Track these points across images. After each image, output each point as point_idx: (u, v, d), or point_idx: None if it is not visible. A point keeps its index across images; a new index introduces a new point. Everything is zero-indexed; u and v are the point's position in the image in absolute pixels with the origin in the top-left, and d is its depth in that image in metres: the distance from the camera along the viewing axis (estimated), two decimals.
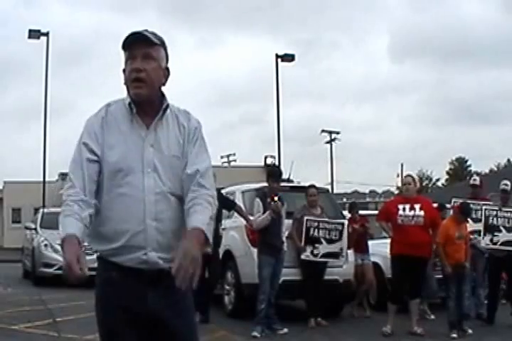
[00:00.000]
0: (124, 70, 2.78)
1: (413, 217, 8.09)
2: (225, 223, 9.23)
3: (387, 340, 7.99)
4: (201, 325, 7.42)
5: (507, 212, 8.93)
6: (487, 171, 53.34)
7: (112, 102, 2.80)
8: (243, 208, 9.07)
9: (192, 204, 2.63)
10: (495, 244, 8.86)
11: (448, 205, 10.06)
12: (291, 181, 10.72)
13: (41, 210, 17.10)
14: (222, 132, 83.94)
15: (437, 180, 64.64)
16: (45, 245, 13.76)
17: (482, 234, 8.88)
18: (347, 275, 9.32)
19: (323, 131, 41.25)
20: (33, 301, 10.69)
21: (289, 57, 24.96)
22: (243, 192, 9.84)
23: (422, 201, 8.38)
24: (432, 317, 9.35)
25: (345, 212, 10.58)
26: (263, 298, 8.13)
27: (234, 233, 9.42)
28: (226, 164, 38.04)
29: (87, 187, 2.65)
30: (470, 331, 8.07)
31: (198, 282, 2.48)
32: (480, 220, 8.94)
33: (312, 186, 9.34)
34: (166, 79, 2.80)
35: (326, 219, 9.05)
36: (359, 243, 9.77)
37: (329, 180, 39.53)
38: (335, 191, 39.10)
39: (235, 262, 9.23)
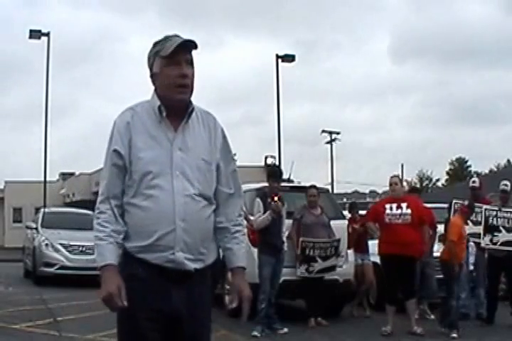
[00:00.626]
0: (152, 75, 2.80)
1: (400, 215, 8.11)
2: None
3: (387, 340, 8.02)
4: None
5: (507, 212, 8.95)
6: (487, 171, 53.34)
7: (134, 106, 2.83)
8: (243, 208, 9.07)
9: (236, 236, 2.89)
10: (495, 244, 8.88)
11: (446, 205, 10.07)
12: (292, 181, 10.74)
13: (42, 210, 17.13)
14: None
15: (437, 180, 64.62)
16: (46, 244, 13.78)
17: (482, 234, 8.90)
18: (347, 275, 9.34)
19: (323, 131, 41.29)
20: (33, 300, 10.71)
21: (289, 58, 24.94)
22: (243, 192, 9.83)
23: (409, 200, 8.40)
24: (432, 317, 9.36)
25: (346, 212, 10.60)
26: (263, 298, 8.14)
27: None
28: None
29: (115, 192, 2.74)
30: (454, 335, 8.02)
31: None
32: (480, 223, 8.95)
33: (313, 186, 9.34)
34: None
35: (322, 240, 8.92)
36: (359, 243, 9.78)
37: (329, 180, 39.60)
38: (335, 191, 39.11)
39: None
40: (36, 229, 14.89)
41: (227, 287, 9.41)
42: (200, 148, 2.80)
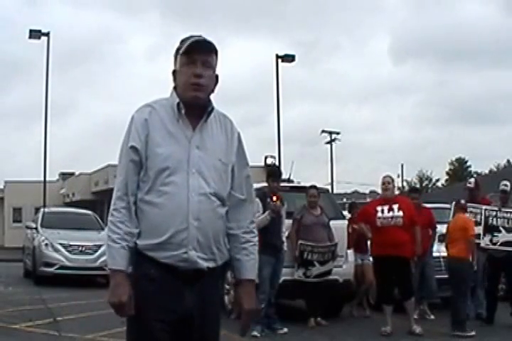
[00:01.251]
0: (174, 71, 2.83)
1: (392, 218, 8.12)
2: None
3: (387, 340, 8.02)
4: None
5: (506, 212, 8.96)
6: (487, 172, 53.40)
7: (153, 103, 2.83)
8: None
9: (246, 247, 2.88)
10: (494, 244, 8.88)
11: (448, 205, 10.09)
12: (292, 181, 10.72)
13: (42, 210, 17.14)
14: None
15: (437, 180, 64.67)
16: (46, 244, 13.77)
17: (482, 234, 8.90)
18: (347, 275, 9.34)
19: (323, 131, 41.32)
20: (33, 300, 10.70)
21: (289, 58, 24.94)
22: None
23: (401, 201, 8.39)
24: (432, 317, 9.36)
25: (345, 212, 10.60)
26: (263, 298, 8.14)
27: None
28: None
29: (132, 188, 2.73)
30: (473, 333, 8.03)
31: None
32: (480, 223, 8.95)
33: (313, 187, 9.32)
34: (215, 86, 2.86)
35: (321, 244, 8.88)
36: (359, 243, 9.77)
37: (329, 180, 39.63)
38: (335, 191, 39.16)
39: None
40: (36, 228, 14.88)
41: (227, 287, 9.42)
42: (217, 149, 2.80)
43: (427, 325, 8.46)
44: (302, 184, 10.51)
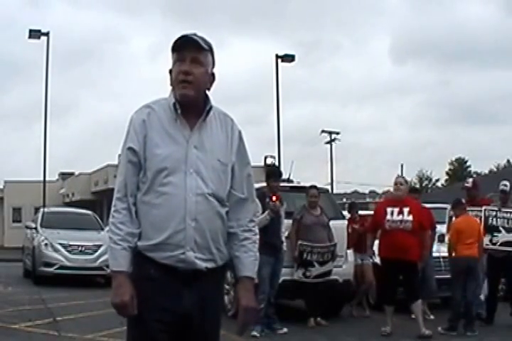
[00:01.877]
0: (170, 71, 2.83)
1: (401, 222, 8.02)
2: None
3: (387, 340, 8.01)
4: None
5: (506, 212, 8.95)
6: (487, 172, 53.38)
7: (152, 103, 2.83)
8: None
9: (244, 244, 2.84)
10: (494, 244, 8.87)
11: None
12: (291, 181, 10.71)
13: (41, 210, 17.13)
14: None
15: (437, 180, 64.64)
16: (46, 244, 13.76)
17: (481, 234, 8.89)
18: (346, 275, 9.33)
19: (323, 131, 41.27)
20: (33, 300, 10.70)
21: (289, 58, 24.91)
22: None
23: (411, 204, 8.26)
24: (432, 317, 9.35)
25: (345, 212, 10.59)
26: (262, 298, 8.13)
27: None
28: None
29: (132, 189, 2.74)
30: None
31: None
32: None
33: (314, 187, 9.30)
34: (211, 84, 2.85)
35: (320, 244, 8.86)
36: (359, 243, 9.76)
37: (329, 180, 39.58)
38: (335, 191, 39.12)
39: None
40: (36, 228, 14.88)
41: (227, 287, 9.42)
42: (216, 149, 2.78)
43: (426, 325, 8.44)
44: (302, 184, 10.51)
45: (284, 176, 9.81)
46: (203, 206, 2.71)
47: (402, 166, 54.77)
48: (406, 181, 8.63)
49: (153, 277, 2.69)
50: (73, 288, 12.70)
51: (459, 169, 64.12)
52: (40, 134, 24.08)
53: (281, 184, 8.78)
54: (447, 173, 64.87)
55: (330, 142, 41.08)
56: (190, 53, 2.75)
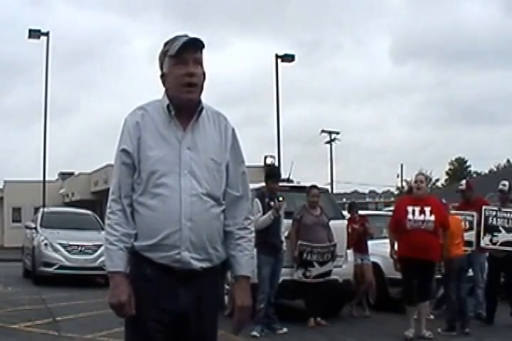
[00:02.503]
0: (162, 75, 2.81)
1: (423, 222, 7.79)
2: None
3: (387, 340, 8.01)
4: None
5: (506, 212, 8.95)
6: (487, 172, 53.39)
7: (146, 105, 2.83)
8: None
9: (239, 243, 2.86)
10: (494, 244, 8.87)
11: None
12: (291, 181, 10.71)
13: (41, 209, 17.11)
14: None
15: (437, 180, 64.64)
16: (45, 244, 13.75)
17: (482, 234, 8.90)
18: (346, 275, 9.33)
19: (323, 131, 41.29)
20: (33, 300, 10.70)
21: (289, 58, 24.89)
22: None
23: (433, 203, 8.02)
24: (432, 317, 9.35)
25: (345, 212, 10.58)
26: (262, 298, 8.14)
27: None
28: None
29: (126, 191, 2.76)
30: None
31: None
32: (473, 229, 8.90)
33: (314, 187, 9.29)
34: (203, 83, 2.84)
35: (320, 244, 8.84)
36: (359, 243, 9.78)
37: (329, 180, 39.62)
38: (335, 191, 39.17)
39: None
40: (35, 228, 14.86)
41: (227, 287, 9.41)
42: (209, 148, 2.79)
43: (426, 325, 8.43)
44: (302, 184, 10.50)
45: (284, 176, 9.81)
46: (198, 206, 2.71)
47: (402, 166, 54.87)
48: (426, 178, 8.53)
49: (150, 277, 2.70)
50: (73, 288, 12.70)
51: (458, 169, 64.16)
52: (40, 134, 24.08)
53: (281, 184, 8.78)
54: (447, 173, 64.92)
55: (330, 142, 41.13)
56: (192, 54, 2.75)
